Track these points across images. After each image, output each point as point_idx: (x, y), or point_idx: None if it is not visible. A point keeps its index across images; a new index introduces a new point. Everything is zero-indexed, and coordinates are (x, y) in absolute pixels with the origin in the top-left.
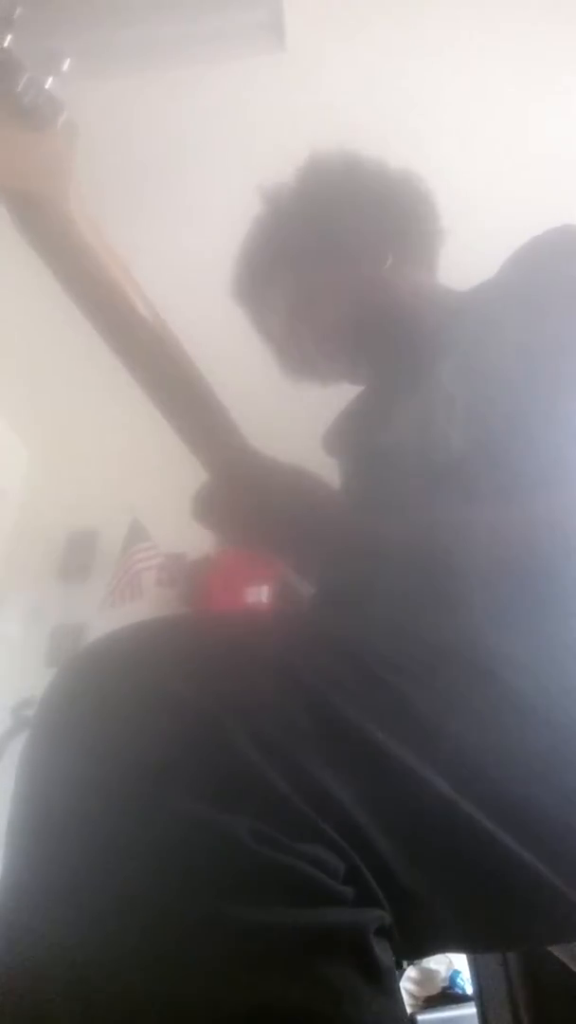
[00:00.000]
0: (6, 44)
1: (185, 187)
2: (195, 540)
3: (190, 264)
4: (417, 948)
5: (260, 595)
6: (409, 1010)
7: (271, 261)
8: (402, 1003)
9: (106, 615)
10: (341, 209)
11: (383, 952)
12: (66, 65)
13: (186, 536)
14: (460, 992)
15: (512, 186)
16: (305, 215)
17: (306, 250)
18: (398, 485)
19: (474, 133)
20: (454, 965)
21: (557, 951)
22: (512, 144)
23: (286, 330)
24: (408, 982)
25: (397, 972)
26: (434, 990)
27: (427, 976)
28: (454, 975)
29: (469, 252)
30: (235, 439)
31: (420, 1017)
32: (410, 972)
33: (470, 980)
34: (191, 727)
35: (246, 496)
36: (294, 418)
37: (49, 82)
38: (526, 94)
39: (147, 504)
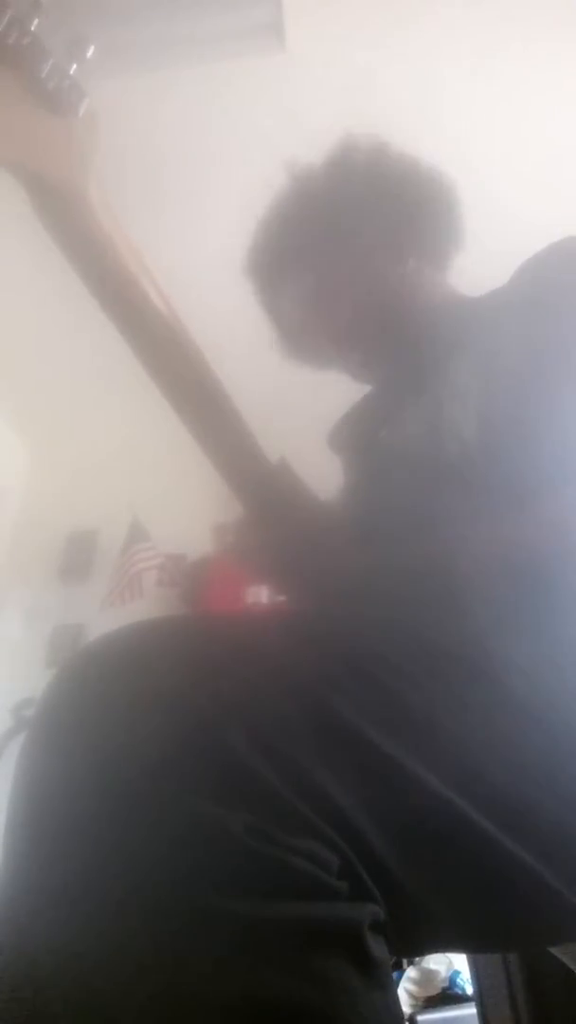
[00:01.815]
0: (33, 28)
1: (184, 187)
2: (195, 540)
3: (188, 262)
4: (416, 946)
5: (259, 595)
6: (409, 1010)
7: (291, 244)
8: (396, 997)
9: (106, 615)
10: (371, 197)
11: (377, 947)
12: (90, 52)
13: (186, 536)
14: (460, 992)
15: (515, 185)
16: (334, 200)
17: (334, 237)
18: (403, 483)
19: (476, 133)
20: (454, 965)
21: (557, 951)
22: (515, 142)
23: (301, 319)
24: (408, 982)
25: (397, 972)
26: (434, 990)
27: (427, 976)
28: (454, 975)
29: (472, 253)
30: (251, 455)
31: (420, 1017)
32: (410, 972)
33: (470, 980)
34: (188, 725)
35: (271, 536)
36: (300, 415)
37: (73, 68)
38: (529, 93)
39: (147, 504)
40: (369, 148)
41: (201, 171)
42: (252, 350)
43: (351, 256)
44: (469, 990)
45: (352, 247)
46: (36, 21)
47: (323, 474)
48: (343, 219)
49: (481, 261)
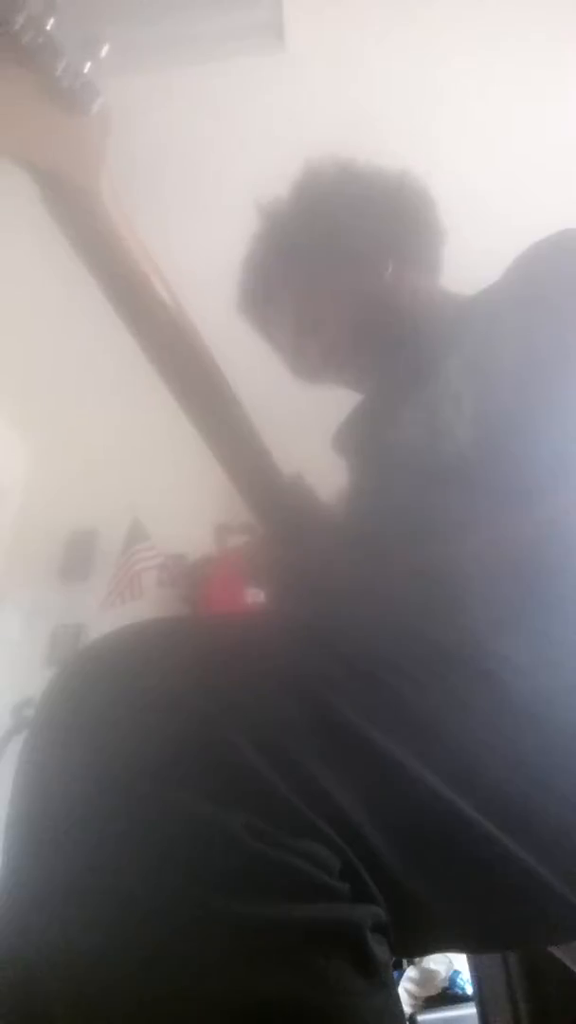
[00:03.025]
0: (48, 28)
1: (183, 187)
2: (195, 540)
3: (186, 260)
4: (417, 946)
5: (260, 596)
6: (409, 1010)
7: (272, 280)
8: (398, 998)
9: (106, 615)
10: (338, 220)
11: (379, 947)
12: (104, 51)
13: (186, 536)
14: (460, 992)
15: (515, 185)
16: (302, 230)
17: (306, 266)
18: (404, 484)
19: (476, 132)
20: (454, 965)
21: (557, 951)
22: (515, 143)
23: (293, 346)
24: (408, 982)
25: (397, 972)
26: (434, 990)
27: (427, 976)
28: (454, 975)
29: (472, 252)
30: (264, 461)
31: (420, 1017)
32: (410, 972)
33: (470, 980)
34: (189, 725)
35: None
36: (305, 416)
37: (87, 67)
38: (529, 93)
39: (147, 504)
40: (333, 170)
41: (200, 171)
42: (261, 348)
43: (327, 276)
44: (469, 990)
45: (327, 267)
46: (51, 20)
47: (331, 475)
48: (316, 244)
49: (477, 258)
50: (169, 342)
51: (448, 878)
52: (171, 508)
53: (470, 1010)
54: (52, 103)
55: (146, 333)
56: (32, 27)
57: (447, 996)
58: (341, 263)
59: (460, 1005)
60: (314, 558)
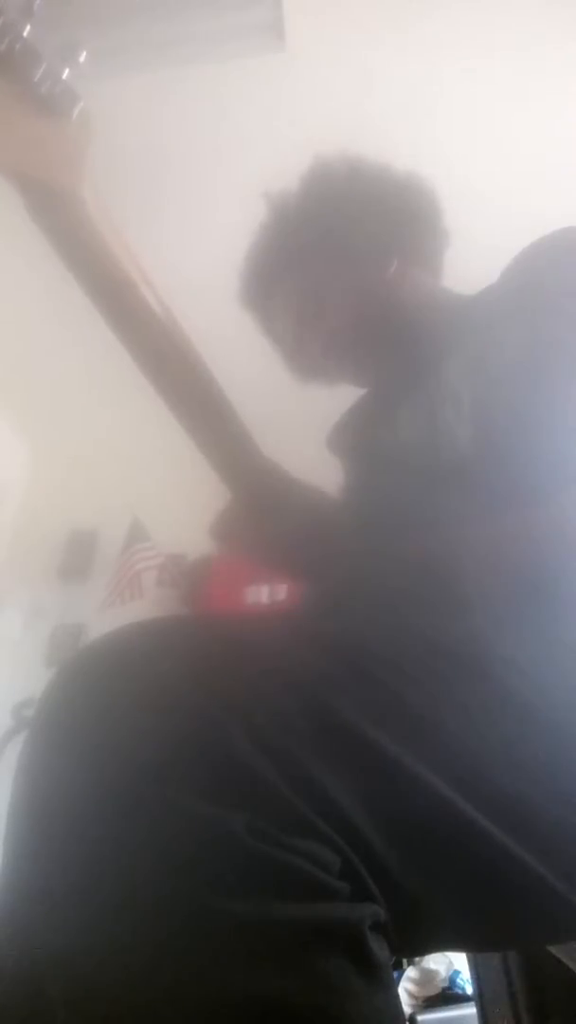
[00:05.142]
0: (25, 34)
1: (183, 187)
2: (195, 540)
3: (188, 261)
4: (416, 946)
5: (259, 595)
6: (409, 1010)
7: (276, 269)
8: (398, 998)
9: (106, 615)
10: (345, 215)
11: (378, 947)
12: (83, 56)
13: (186, 536)
14: (460, 992)
15: (515, 185)
16: (309, 222)
17: (311, 257)
18: (402, 484)
19: (476, 132)
20: (454, 965)
21: (557, 951)
22: (515, 143)
23: (293, 337)
24: (408, 982)
25: (397, 972)
26: (434, 990)
27: (427, 976)
28: (454, 975)
29: (473, 251)
30: (248, 450)
31: (420, 1017)
32: (410, 972)
33: (470, 980)
34: (188, 725)
35: (266, 525)
36: (299, 417)
37: (66, 73)
38: (529, 92)
39: (147, 504)
40: (342, 166)
41: (200, 171)
42: (251, 352)
43: (331, 270)
44: (469, 990)
45: (332, 261)
46: (28, 26)
47: (322, 475)
48: (321, 237)
49: (477, 257)
50: (156, 348)
51: (448, 878)
52: (171, 508)
53: (470, 1010)
54: (31, 110)
55: (132, 339)
56: (9, 34)
57: (447, 996)
58: (345, 256)
59: (460, 1005)
60: (311, 551)
